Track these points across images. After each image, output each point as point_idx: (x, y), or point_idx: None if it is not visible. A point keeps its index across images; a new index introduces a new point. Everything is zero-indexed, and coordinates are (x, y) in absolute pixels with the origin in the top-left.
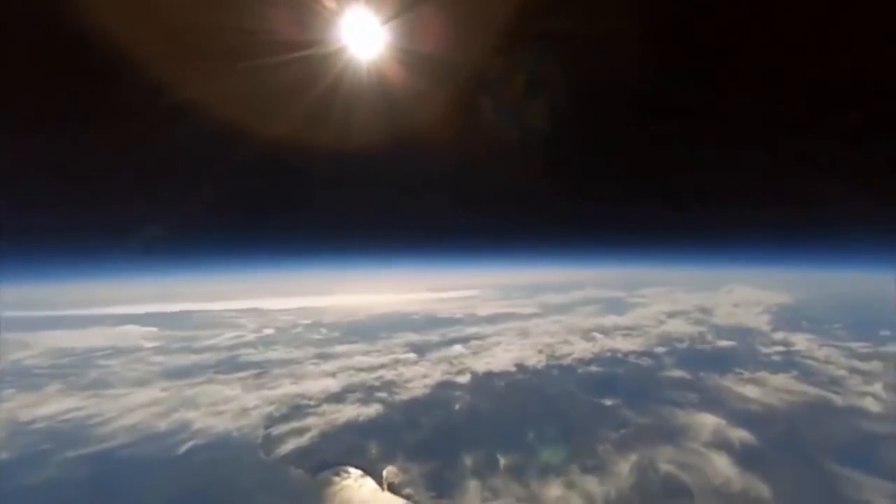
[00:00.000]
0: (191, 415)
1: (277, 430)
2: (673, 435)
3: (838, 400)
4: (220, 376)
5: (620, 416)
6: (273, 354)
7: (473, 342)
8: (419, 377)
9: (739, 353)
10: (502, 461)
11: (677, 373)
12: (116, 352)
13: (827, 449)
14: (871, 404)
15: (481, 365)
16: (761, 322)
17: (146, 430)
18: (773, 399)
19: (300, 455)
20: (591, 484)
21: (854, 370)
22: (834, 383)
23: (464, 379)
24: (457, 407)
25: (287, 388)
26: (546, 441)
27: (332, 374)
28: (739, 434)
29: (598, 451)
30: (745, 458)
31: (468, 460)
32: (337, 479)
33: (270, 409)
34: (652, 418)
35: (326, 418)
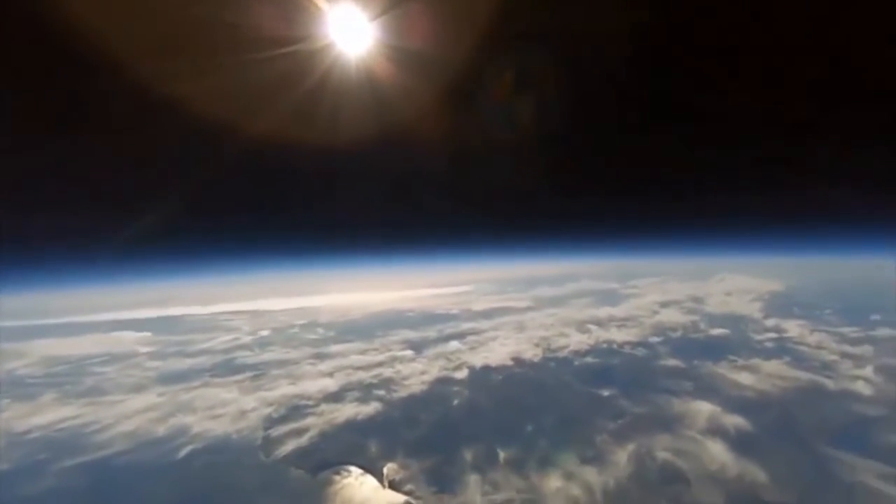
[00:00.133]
0: (188, 419)
1: (276, 431)
2: (669, 423)
3: (830, 384)
4: (217, 379)
5: (617, 407)
6: (269, 356)
7: (470, 337)
8: (417, 374)
9: (732, 341)
10: (502, 454)
11: (672, 362)
12: (111, 358)
13: (820, 432)
14: (862, 387)
15: (478, 360)
16: (753, 309)
17: (144, 436)
18: (766, 385)
19: (300, 455)
20: (590, 474)
21: (845, 354)
22: (826, 368)
23: (461, 374)
24: (455, 402)
25: (285, 389)
26: (544, 433)
27: (330, 374)
28: (734, 420)
29: (596, 442)
30: (740, 443)
31: (468, 455)
32: (337, 478)
33: (269, 410)
34: (648, 407)
35: (325, 418)
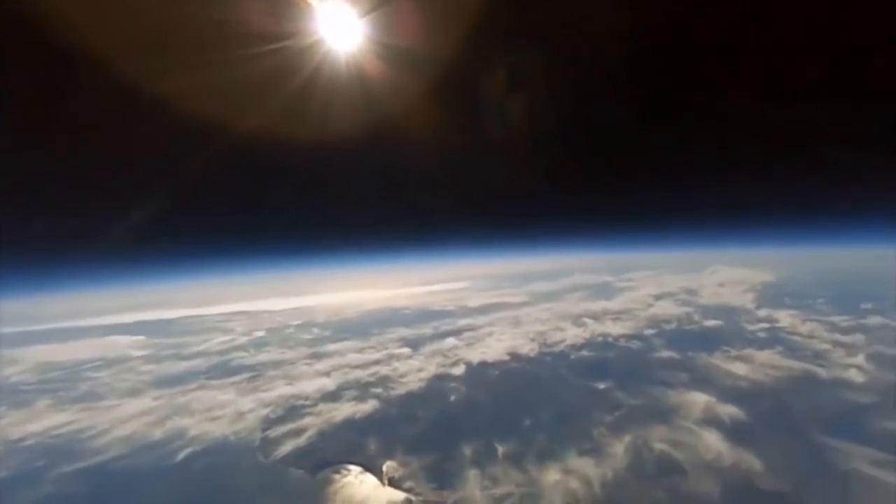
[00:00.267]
0: (185, 422)
1: (275, 431)
2: (665, 414)
3: (823, 373)
4: (213, 381)
5: (613, 399)
6: (265, 356)
7: (466, 334)
8: (414, 371)
9: (726, 332)
10: (500, 449)
11: (667, 354)
12: (105, 363)
13: (814, 420)
14: (854, 375)
15: (475, 356)
16: (746, 300)
17: (141, 440)
18: (760, 375)
19: (299, 455)
20: (588, 466)
21: (837, 343)
22: (818, 357)
23: (458, 370)
24: (453, 398)
25: (282, 390)
26: (542, 427)
27: (327, 373)
28: (729, 410)
29: (593, 434)
30: (735, 433)
31: (467, 450)
32: (337, 477)
33: (266, 411)
34: (644, 399)
35: (323, 417)
